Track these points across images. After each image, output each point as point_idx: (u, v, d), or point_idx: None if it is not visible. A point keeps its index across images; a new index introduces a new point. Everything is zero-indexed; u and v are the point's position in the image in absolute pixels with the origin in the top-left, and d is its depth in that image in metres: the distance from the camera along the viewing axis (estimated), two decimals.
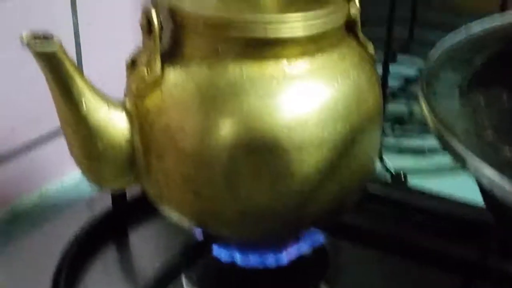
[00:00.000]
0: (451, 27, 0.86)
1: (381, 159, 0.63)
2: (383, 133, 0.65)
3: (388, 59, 0.62)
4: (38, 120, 0.56)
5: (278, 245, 0.45)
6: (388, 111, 0.72)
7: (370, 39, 0.71)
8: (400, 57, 0.84)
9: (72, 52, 0.58)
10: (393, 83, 0.78)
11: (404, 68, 0.82)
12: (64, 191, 0.60)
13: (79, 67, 0.58)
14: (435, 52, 0.36)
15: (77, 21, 0.57)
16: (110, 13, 0.61)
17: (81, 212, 0.54)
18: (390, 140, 0.68)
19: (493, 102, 0.37)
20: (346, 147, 0.39)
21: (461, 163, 0.28)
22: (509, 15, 0.41)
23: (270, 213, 0.39)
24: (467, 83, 0.35)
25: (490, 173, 0.27)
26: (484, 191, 0.32)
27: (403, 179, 0.61)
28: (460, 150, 0.28)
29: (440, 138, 0.29)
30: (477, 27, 0.39)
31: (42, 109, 0.53)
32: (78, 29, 0.57)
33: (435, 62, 0.35)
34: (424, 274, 0.47)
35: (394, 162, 0.63)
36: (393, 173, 0.62)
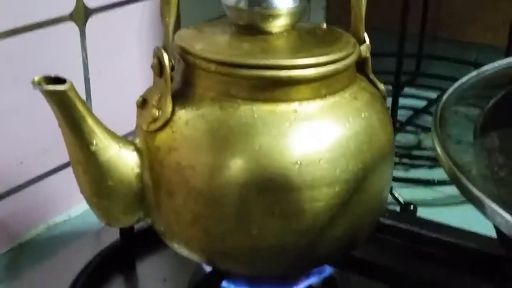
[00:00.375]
0: (458, 60, 0.86)
1: (391, 190, 0.63)
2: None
3: (398, 92, 0.62)
4: (46, 154, 0.56)
5: (289, 280, 0.45)
6: (397, 143, 0.72)
7: (377, 71, 0.72)
8: (406, 89, 0.84)
9: (81, 89, 0.58)
10: (401, 114, 0.78)
11: (411, 100, 0.82)
12: (72, 223, 0.60)
13: (89, 103, 0.59)
14: (448, 94, 0.36)
15: (86, 55, 0.57)
16: (121, 52, 0.62)
17: (89, 244, 0.54)
18: (399, 171, 0.67)
19: (508, 141, 0.37)
20: (358, 185, 0.39)
21: (478, 207, 0.28)
22: None
23: (281, 251, 0.39)
24: (481, 123, 0.35)
25: (506, 218, 0.27)
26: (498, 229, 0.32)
27: (412, 210, 0.61)
28: (476, 194, 0.28)
29: (457, 182, 0.29)
30: (489, 67, 0.39)
31: (49, 142, 0.54)
32: (87, 63, 0.57)
33: (447, 104, 0.35)
34: None
35: (403, 193, 0.63)
36: (403, 204, 0.61)
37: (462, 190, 0.28)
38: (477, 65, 0.84)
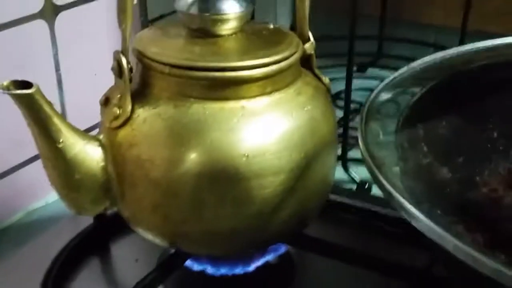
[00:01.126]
0: (418, 42, 0.89)
1: (347, 169, 0.67)
2: (348, 144, 0.68)
3: (351, 73, 0.65)
4: (22, 144, 0.59)
5: (247, 258, 0.50)
6: (356, 124, 0.75)
7: (340, 54, 0.74)
8: (370, 70, 0.88)
9: (53, 83, 0.62)
10: (362, 95, 0.81)
11: (373, 81, 0.86)
12: (49, 209, 0.63)
13: (61, 97, 0.62)
14: (377, 90, 0.40)
15: (57, 51, 0.60)
16: (90, 46, 0.65)
17: (65, 228, 0.57)
18: (357, 152, 0.71)
19: (432, 130, 0.41)
20: (302, 172, 0.43)
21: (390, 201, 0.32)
22: (443, 53, 0.44)
23: (235, 234, 0.43)
24: (404, 117, 0.39)
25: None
26: None
27: (367, 188, 0.65)
28: (387, 187, 0.32)
29: (373, 176, 0.33)
30: (418, 63, 0.43)
31: (24, 134, 0.57)
32: (58, 58, 0.61)
33: (376, 99, 0.39)
34: (381, 282, 0.51)
35: (359, 172, 0.67)
36: (358, 183, 0.66)
37: (375, 181, 0.32)
38: (436, 46, 0.88)
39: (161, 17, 0.72)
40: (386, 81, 0.41)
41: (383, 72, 0.90)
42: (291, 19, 0.99)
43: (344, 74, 0.68)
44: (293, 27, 0.97)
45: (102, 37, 0.65)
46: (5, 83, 0.40)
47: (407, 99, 0.41)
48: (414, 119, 0.40)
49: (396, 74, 0.42)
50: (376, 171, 0.32)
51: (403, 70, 0.42)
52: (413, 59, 0.87)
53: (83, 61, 0.64)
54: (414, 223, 0.29)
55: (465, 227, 0.37)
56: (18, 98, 0.40)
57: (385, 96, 0.41)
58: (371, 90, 0.81)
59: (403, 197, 0.30)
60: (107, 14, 0.65)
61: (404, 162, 0.36)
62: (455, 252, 0.28)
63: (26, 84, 0.40)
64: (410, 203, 0.29)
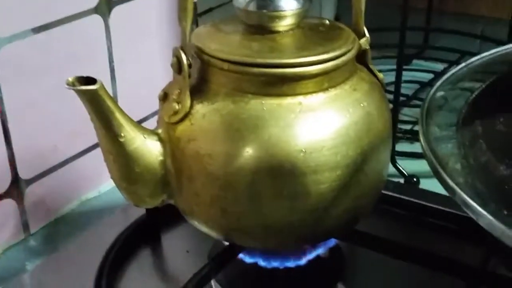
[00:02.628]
0: (465, 33, 0.88)
1: (395, 163, 0.67)
2: (397, 138, 0.68)
3: (401, 67, 0.65)
4: (77, 136, 0.61)
5: (298, 251, 0.50)
6: (403, 116, 0.75)
7: (386, 45, 0.74)
8: (415, 61, 0.88)
9: (107, 74, 0.63)
10: (408, 87, 0.81)
11: (419, 73, 0.86)
12: (102, 199, 0.65)
13: (114, 88, 0.63)
14: (436, 86, 0.40)
15: (111, 44, 0.62)
16: (143, 40, 0.66)
17: (118, 218, 0.59)
18: (404, 145, 0.71)
19: (490, 126, 0.41)
20: (357, 168, 0.43)
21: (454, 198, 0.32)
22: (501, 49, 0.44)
23: (290, 228, 0.44)
24: (464, 114, 0.39)
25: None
26: None
27: (415, 182, 0.65)
28: (452, 185, 0.32)
29: (436, 174, 0.33)
30: (476, 59, 0.43)
31: (79, 125, 0.58)
32: (111, 51, 0.62)
33: (435, 96, 0.39)
34: (431, 277, 0.51)
35: (407, 165, 0.67)
36: (407, 176, 0.66)
37: (440, 180, 0.33)
38: (483, 38, 0.87)
39: (210, 10, 0.73)
40: (445, 77, 0.41)
41: (428, 63, 0.90)
42: (335, 10, 0.98)
43: (389, 66, 0.68)
44: (337, 17, 0.98)
45: (154, 31, 0.66)
46: (70, 79, 0.41)
47: (466, 96, 0.41)
48: (473, 116, 0.40)
49: (454, 70, 0.42)
50: (440, 169, 0.32)
51: (461, 66, 0.42)
52: (459, 51, 0.87)
53: (136, 54, 0.65)
54: (480, 222, 0.29)
55: None
56: (82, 94, 0.41)
57: (443, 92, 0.41)
58: (417, 82, 0.83)
59: (468, 196, 0.30)
60: (160, 8, 0.66)
61: (465, 159, 0.36)
62: None
63: (90, 80, 0.41)
64: (476, 202, 0.29)
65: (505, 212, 0.30)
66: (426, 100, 0.39)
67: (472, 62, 0.43)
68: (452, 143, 0.37)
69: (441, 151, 0.35)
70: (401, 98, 0.73)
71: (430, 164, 0.33)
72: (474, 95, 0.40)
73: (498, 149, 0.40)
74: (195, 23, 0.71)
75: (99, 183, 0.65)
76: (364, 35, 0.47)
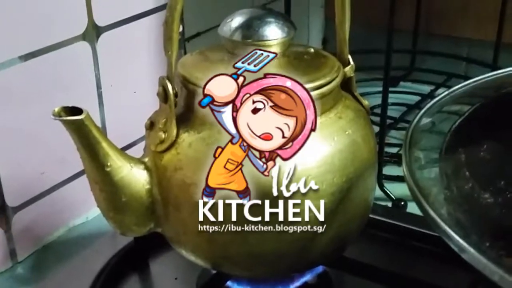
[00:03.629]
0: (451, 55, 0.89)
1: (382, 187, 0.67)
2: (384, 162, 0.68)
3: (388, 89, 0.64)
4: (64, 163, 0.61)
5: (286, 279, 0.50)
6: (390, 139, 0.76)
7: (372, 67, 0.74)
8: (402, 84, 0.88)
9: (95, 101, 0.63)
10: (395, 109, 0.82)
11: (405, 95, 0.86)
12: (89, 225, 0.65)
13: (102, 114, 0.63)
14: (420, 114, 0.40)
15: (98, 71, 0.62)
16: (131, 65, 0.66)
17: (106, 245, 0.58)
18: (392, 168, 0.71)
19: (473, 154, 0.42)
20: (343, 195, 0.43)
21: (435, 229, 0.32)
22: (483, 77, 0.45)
23: (277, 256, 0.44)
24: (448, 141, 0.40)
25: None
26: None
27: (402, 206, 0.65)
28: (432, 216, 0.32)
29: (417, 203, 0.33)
30: (458, 87, 0.43)
31: (66, 152, 0.58)
32: (99, 77, 0.62)
33: (418, 126, 0.39)
34: None
35: (395, 189, 0.67)
36: (394, 200, 0.66)
37: (422, 211, 0.33)
38: (469, 60, 0.88)
39: (198, 34, 0.74)
40: (428, 106, 0.41)
41: (415, 85, 0.90)
42: (323, 33, 0.99)
43: (377, 88, 0.68)
44: (325, 40, 0.99)
45: (142, 57, 0.67)
46: (56, 110, 0.41)
47: (449, 124, 0.41)
48: (456, 144, 0.40)
49: (436, 99, 0.43)
50: (423, 201, 0.32)
51: (444, 94, 0.43)
52: (445, 73, 0.88)
53: (123, 81, 0.65)
54: (463, 256, 0.29)
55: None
56: (68, 124, 0.42)
57: (430, 118, 0.41)
58: (404, 104, 0.83)
59: (450, 228, 0.31)
60: (148, 35, 0.66)
61: (448, 188, 0.36)
62: (501, 284, 0.28)
63: (76, 110, 0.41)
64: (458, 235, 0.30)
65: (487, 244, 0.30)
66: (409, 129, 0.39)
67: (454, 91, 0.44)
68: (436, 170, 0.37)
69: (424, 180, 0.35)
70: (388, 121, 0.73)
71: (413, 194, 0.33)
72: (456, 123, 0.41)
73: (482, 177, 0.41)
74: (183, 48, 0.71)
75: (86, 210, 0.65)
76: (348, 63, 0.47)
